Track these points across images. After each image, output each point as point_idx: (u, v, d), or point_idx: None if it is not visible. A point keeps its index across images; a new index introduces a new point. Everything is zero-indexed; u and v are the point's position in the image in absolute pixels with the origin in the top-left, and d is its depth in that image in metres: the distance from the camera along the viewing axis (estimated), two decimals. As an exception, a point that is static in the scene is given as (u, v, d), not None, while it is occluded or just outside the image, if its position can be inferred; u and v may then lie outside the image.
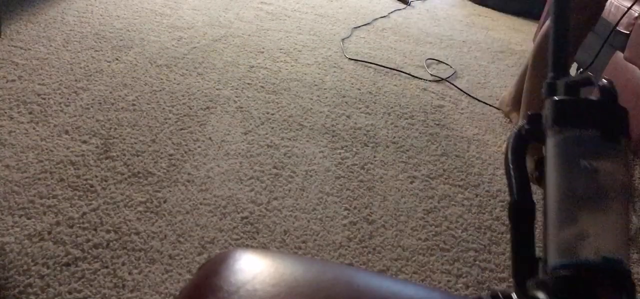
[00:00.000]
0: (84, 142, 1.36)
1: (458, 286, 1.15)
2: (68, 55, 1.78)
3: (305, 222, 1.23)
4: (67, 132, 1.38)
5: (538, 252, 0.32)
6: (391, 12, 3.08)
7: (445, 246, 1.25)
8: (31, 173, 1.21)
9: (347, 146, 1.58)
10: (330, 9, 2.90)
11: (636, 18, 1.85)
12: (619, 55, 1.93)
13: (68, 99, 1.54)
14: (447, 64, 2.41)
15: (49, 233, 1.06)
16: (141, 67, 1.80)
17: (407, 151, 1.62)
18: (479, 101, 2.08)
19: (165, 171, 1.31)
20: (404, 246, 1.22)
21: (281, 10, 2.72)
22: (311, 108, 1.76)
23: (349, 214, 1.29)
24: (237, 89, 1.79)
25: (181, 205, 1.20)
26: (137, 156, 1.34)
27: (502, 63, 2.59)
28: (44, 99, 1.51)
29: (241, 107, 1.67)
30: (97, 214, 1.13)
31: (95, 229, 1.09)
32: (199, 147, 1.43)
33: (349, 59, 2.24)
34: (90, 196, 1.18)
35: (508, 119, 1.97)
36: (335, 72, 2.09)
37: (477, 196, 1.47)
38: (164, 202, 1.20)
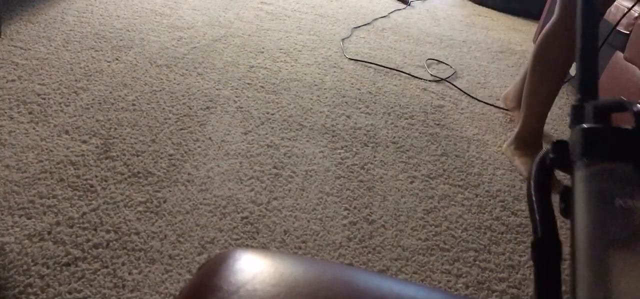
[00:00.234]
0: (84, 142, 1.36)
1: (458, 286, 1.15)
2: (68, 55, 1.78)
3: (305, 222, 1.23)
4: (67, 132, 1.38)
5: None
6: (391, 12, 3.08)
7: (445, 246, 1.25)
8: (31, 173, 1.21)
9: (347, 146, 1.58)
10: (330, 9, 2.90)
11: (636, 18, 1.85)
12: (619, 55, 1.93)
13: (68, 99, 1.54)
14: (447, 64, 2.41)
15: (49, 232, 1.05)
16: (141, 67, 1.80)
17: (407, 151, 1.62)
18: (479, 100, 2.08)
19: (165, 171, 1.31)
20: (404, 246, 1.22)
21: (281, 10, 2.72)
22: (311, 108, 1.76)
23: (349, 214, 1.29)
24: (237, 89, 1.79)
25: (181, 205, 1.20)
26: (137, 156, 1.34)
27: (502, 63, 2.59)
28: (44, 99, 1.51)
29: (241, 107, 1.67)
30: (97, 214, 1.13)
31: (95, 229, 1.09)
32: (199, 147, 1.43)
33: (349, 59, 2.24)
34: (90, 196, 1.18)
35: (510, 117, 1.97)
36: (335, 72, 2.09)
37: (477, 196, 1.47)
38: (164, 202, 1.20)
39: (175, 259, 1.06)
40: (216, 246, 1.11)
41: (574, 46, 1.38)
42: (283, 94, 1.81)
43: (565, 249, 0.30)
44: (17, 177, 1.19)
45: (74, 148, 1.32)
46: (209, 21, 2.34)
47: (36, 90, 1.55)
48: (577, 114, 0.31)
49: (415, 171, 1.53)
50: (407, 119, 1.82)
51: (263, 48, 2.17)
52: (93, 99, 1.56)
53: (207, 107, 1.63)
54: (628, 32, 1.88)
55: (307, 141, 1.56)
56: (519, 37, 3.13)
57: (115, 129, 1.43)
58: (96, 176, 1.24)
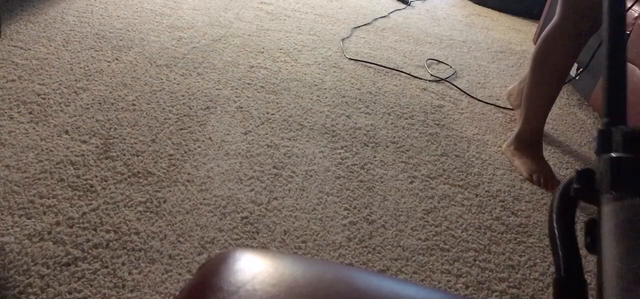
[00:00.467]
0: (84, 142, 1.36)
1: (458, 286, 1.15)
2: (68, 55, 1.78)
3: (305, 222, 1.23)
4: (67, 132, 1.38)
5: None
6: (391, 12, 3.08)
7: (445, 246, 1.25)
8: (31, 173, 1.21)
9: (347, 146, 1.58)
10: (330, 9, 2.90)
11: (636, 18, 1.85)
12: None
13: (68, 99, 1.54)
14: (447, 64, 2.41)
15: (49, 232, 1.05)
16: (141, 67, 1.80)
17: (407, 151, 1.62)
18: (479, 100, 2.08)
19: (165, 171, 1.31)
20: (404, 246, 1.22)
21: (281, 10, 2.72)
22: (311, 108, 1.76)
23: (349, 214, 1.29)
24: (237, 89, 1.79)
25: (181, 205, 1.20)
26: (137, 156, 1.34)
27: (502, 63, 2.59)
28: (44, 99, 1.51)
29: (241, 107, 1.67)
30: (97, 214, 1.13)
31: (95, 229, 1.09)
32: (199, 147, 1.43)
33: (349, 59, 2.24)
34: (90, 196, 1.18)
35: (510, 117, 1.97)
36: (335, 72, 2.09)
37: (477, 196, 1.47)
38: (164, 202, 1.20)
39: (175, 259, 1.06)
40: (216, 246, 1.11)
41: (574, 48, 1.37)
42: (283, 94, 1.81)
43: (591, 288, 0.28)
44: (17, 177, 1.19)
45: (74, 148, 1.32)
46: (209, 21, 2.34)
47: (36, 90, 1.55)
48: (604, 141, 0.28)
49: (415, 171, 1.53)
50: (407, 119, 1.82)
51: (263, 48, 2.17)
52: (93, 99, 1.56)
53: (207, 107, 1.63)
54: (628, 32, 1.88)
55: (307, 141, 1.56)
56: (519, 37, 3.13)
57: (115, 129, 1.43)
58: (96, 176, 1.24)
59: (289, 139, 1.55)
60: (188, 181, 1.28)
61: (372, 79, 2.09)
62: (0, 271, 0.96)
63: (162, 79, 1.75)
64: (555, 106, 2.15)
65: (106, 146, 1.36)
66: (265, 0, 2.80)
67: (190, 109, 1.60)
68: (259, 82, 1.87)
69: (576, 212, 0.30)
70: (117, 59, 1.82)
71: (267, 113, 1.67)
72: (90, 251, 1.03)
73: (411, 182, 1.47)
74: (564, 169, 1.71)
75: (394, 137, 1.69)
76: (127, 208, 1.16)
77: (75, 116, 1.46)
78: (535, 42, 2.69)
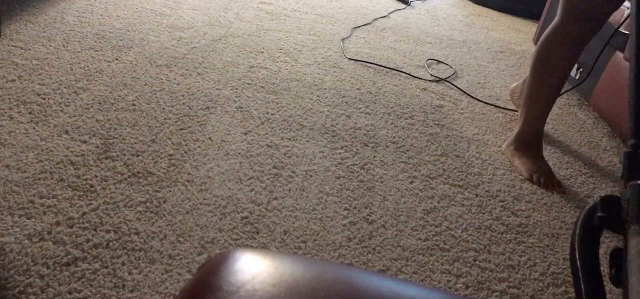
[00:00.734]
0: (84, 142, 1.36)
1: (458, 286, 1.15)
2: (68, 55, 1.78)
3: (305, 222, 1.23)
4: (67, 132, 1.38)
5: None
6: (391, 12, 3.08)
7: (445, 246, 1.25)
8: (31, 173, 1.21)
9: (347, 146, 1.58)
10: (330, 9, 2.90)
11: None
12: (619, 55, 1.93)
13: (68, 99, 1.54)
14: (447, 64, 2.41)
15: (49, 232, 1.06)
16: (141, 67, 1.80)
17: (407, 151, 1.62)
18: (479, 100, 2.08)
19: (165, 171, 1.31)
20: (404, 246, 1.22)
21: (281, 10, 2.72)
22: (311, 108, 1.76)
23: (348, 214, 1.29)
24: (237, 89, 1.79)
25: (181, 205, 1.20)
26: (137, 156, 1.34)
27: (502, 63, 2.59)
28: (44, 99, 1.51)
29: (241, 107, 1.67)
30: (97, 214, 1.13)
31: (95, 229, 1.09)
32: (199, 147, 1.43)
33: (349, 59, 2.24)
34: (90, 196, 1.18)
35: (510, 117, 1.97)
36: (335, 72, 2.09)
37: (477, 196, 1.47)
38: (164, 202, 1.20)
39: (175, 259, 1.06)
40: (216, 246, 1.11)
41: (574, 49, 1.36)
42: (283, 94, 1.81)
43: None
44: (17, 177, 1.19)
45: (74, 148, 1.32)
46: (209, 21, 2.34)
47: (36, 90, 1.55)
48: (632, 165, 0.26)
49: (415, 171, 1.53)
50: (407, 119, 1.82)
51: (263, 48, 2.17)
52: (93, 99, 1.56)
53: (207, 107, 1.63)
54: (628, 33, 1.88)
55: (307, 141, 1.56)
56: (519, 37, 3.13)
57: (115, 129, 1.43)
58: (96, 176, 1.24)
59: (289, 139, 1.55)
60: (188, 181, 1.28)
61: (372, 79, 2.09)
62: (0, 271, 0.96)
63: (162, 79, 1.75)
64: (555, 105, 2.15)
65: (106, 146, 1.36)
66: (265, 0, 2.80)
67: (190, 109, 1.60)
68: (259, 82, 1.87)
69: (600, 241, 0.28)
70: (117, 59, 1.82)
71: (267, 113, 1.67)
72: (90, 251, 1.03)
73: (411, 182, 1.47)
74: (564, 169, 1.71)
75: (394, 137, 1.69)
76: (127, 208, 1.16)
77: (75, 116, 1.46)
78: (535, 43, 2.69)
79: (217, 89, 1.75)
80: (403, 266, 1.17)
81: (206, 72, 1.86)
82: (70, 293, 0.94)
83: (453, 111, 1.95)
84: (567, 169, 1.71)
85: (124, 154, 1.34)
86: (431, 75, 2.24)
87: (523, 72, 2.51)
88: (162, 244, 1.08)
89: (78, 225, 1.09)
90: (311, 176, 1.40)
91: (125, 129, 1.44)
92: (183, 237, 1.11)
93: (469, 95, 2.11)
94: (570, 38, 1.49)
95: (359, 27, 2.69)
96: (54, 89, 1.57)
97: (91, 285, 0.97)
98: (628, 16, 1.78)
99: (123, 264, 1.02)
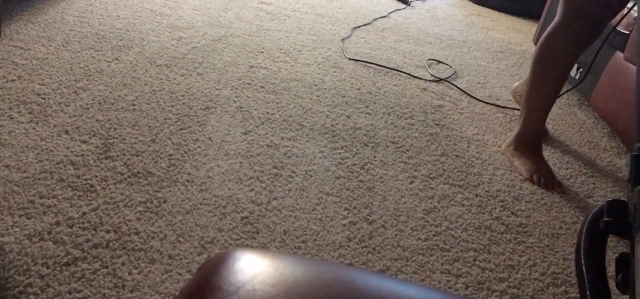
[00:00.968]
0: (84, 142, 1.36)
1: (458, 286, 1.15)
2: (68, 55, 1.78)
3: (305, 222, 1.23)
4: (67, 132, 1.38)
5: None
6: (391, 12, 3.08)
7: (445, 246, 1.25)
8: (31, 173, 1.21)
9: (347, 146, 1.58)
10: (330, 9, 2.90)
11: (636, 18, 1.85)
12: (619, 55, 1.93)
13: (68, 99, 1.54)
14: (447, 64, 2.41)
15: (49, 232, 1.06)
16: (141, 67, 1.80)
17: (407, 151, 1.62)
18: (479, 100, 2.08)
19: (165, 171, 1.31)
20: (404, 246, 1.22)
21: (281, 10, 2.72)
22: (311, 108, 1.76)
23: (348, 214, 1.29)
24: (237, 89, 1.79)
25: (181, 205, 1.20)
26: (137, 156, 1.34)
27: (502, 63, 2.59)
28: (44, 99, 1.51)
29: (241, 107, 1.67)
30: (97, 214, 1.13)
31: (95, 229, 1.09)
32: (199, 147, 1.43)
33: (349, 59, 2.24)
34: (90, 196, 1.18)
35: (512, 115, 1.97)
36: (335, 72, 2.09)
37: (477, 196, 1.47)
38: (164, 202, 1.20)
39: (175, 259, 1.06)
40: (216, 246, 1.11)
41: (575, 49, 1.36)
42: (283, 94, 1.81)
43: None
44: (17, 177, 1.19)
45: (74, 148, 1.33)
46: (209, 21, 2.34)
47: (36, 90, 1.55)
48: (639, 169, 0.25)
49: (415, 171, 1.53)
50: (407, 119, 1.82)
51: (263, 48, 2.17)
52: (93, 99, 1.56)
53: (207, 107, 1.63)
54: (628, 32, 1.88)
55: (307, 141, 1.56)
56: (519, 37, 3.13)
57: (115, 129, 1.43)
58: (96, 176, 1.24)
59: (289, 139, 1.55)
60: (188, 181, 1.28)
61: (372, 79, 2.09)
62: (0, 271, 0.96)
63: (162, 79, 1.75)
64: (555, 105, 2.15)
65: (106, 146, 1.36)
66: (265, 0, 2.80)
67: (190, 109, 1.60)
68: (259, 82, 1.87)
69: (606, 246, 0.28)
70: (117, 59, 1.82)
71: (267, 113, 1.67)
72: (90, 251, 1.04)
73: (411, 182, 1.47)
74: (563, 169, 1.71)
75: (394, 137, 1.69)
76: (127, 208, 1.16)
77: (75, 116, 1.46)
78: (535, 42, 2.69)
79: (217, 89, 1.75)
80: (403, 266, 1.17)
81: (206, 72, 1.86)
82: (70, 293, 0.94)
83: (453, 111, 1.95)
84: (567, 169, 1.71)
85: (124, 154, 1.34)
86: (431, 75, 2.24)
87: (523, 72, 2.51)
88: (162, 244, 1.08)
89: (78, 225, 1.09)
90: (311, 176, 1.40)
91: (125, 129, 1.44)
92: (183, 237, 1.11)
93: (469, 95, 2.11)
94: (571, 38, 1.49)
95: (359, 27, 2.69)
96: (54, 89, 1.57)
97: (91, 285, 0.97)
98: (625, 15, 1.78)
99: (123, 264, 1.02)
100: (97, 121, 1.46)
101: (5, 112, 1.41)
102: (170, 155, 1.37)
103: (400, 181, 1.46)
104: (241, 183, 1.32)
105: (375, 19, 2.88)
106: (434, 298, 0.40)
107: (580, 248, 0.27)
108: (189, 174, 1.31)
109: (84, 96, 1.57)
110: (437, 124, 1.82)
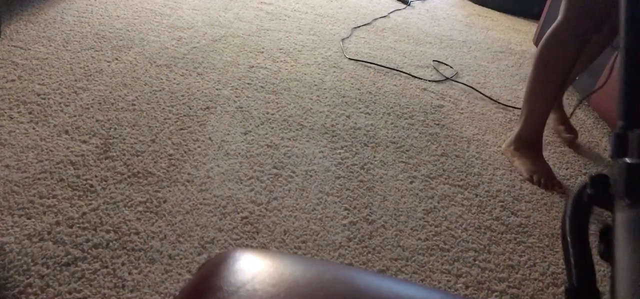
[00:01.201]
0: (84, 142, 1.36)
1: (458, 286, 1.15)
2: (68, 55, 1.78)
3: (305, 222, 1.23)
4: (67, 132, 1.38)
5: None
6: (391, 12, 3.08)
7: (445, 246, 1.25)
8: (31, 173, 1.21)
9: (347, 146, 1.58)
10: (330, 9, 2.90)
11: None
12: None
13: (68, 99, 1.54)
14: (447, 64, 2.41)
15: (49, 233, 1.06)
16: (141, 67, 1.80)
17: (407, 151, 1.62)
18: (487, 97, 2.08)
19: (165, 171, 1.31)
20: (404, 246, 1.22)
21: (281, 10, 2.72)
22: (311, 108, 1.76)
23: (348, 214, 1.29)
24: (237, 89, 1.79)
25: (181, 205, 1.20)
26: (137, 156, 1.34)
27: (502, 63, 2.59)
28: (44, 99, 1.51)
29: (241, 107, 1.67)
30: (97, 214, 1.13)
31: (95, 229, 1.09)
32: (198, 147, 1.43)
33: (349, 59, 2.24)
34: (90, 196, 1.18)
35: (512, 115, 1.97)
36: (335, 72, 2.09)
37: (476, 196, 1.47)
38: (164, 202, 1.20)
39: (175, 259, 1.06)
40: (216, 246, 1.11)
41: (577, 49, 1.36)
42: (283, 94, 1.81)
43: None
44: (17, 177, 1.19)
45: (74, 148, 1.33)
46: (209, 21, 2.34)
47: (36, 90, 1.55)
48: (619, 145, 0.28)
49: (415, 171, 1.53)
50: (407, 119, 1.82)
51: (263, 48, 2.17)
52: (93, 99, 1.56)
53: (207, 107, 1.63)
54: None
55: (307, 141, 1.56)
56: (519, 37, 3.13)
57: (115, 129, 1.43)
58: (96, 176, 1.24)
59: (289, 139, 1.55)
60: (188, 181, 1.28)
61: (372, 79, 2.09)
62: (0, 271, 0.96)
63: (162, 79, 1.75)
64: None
65: (106, 146, 1.36)
66: (265, 0, 2.80)
67: (190, 109, 1.60)
68: (259, 82, 1.87)
69: (590, 219, 0.30)
70: (117, 59, 1.82)
71: (267, 113, 1.67)
72: (90, 251, 1.04)
73: (411, 182, 1.47)
74: (563, 169, 1.71)
75: (394, 137, 1.69)
76: (127, 208, 1.16)
77: (75, 116, 1.46)
78: (535, 43, 2.69)
79: (217, 89, 1.75)
80: (403, 266, 1.17)
81: (206, 72, 1.86)
82: (70, 293, 0.94)
83: (453, 111, 1.95)
84: (567, 169, 1.71)
85: (124, 154, 1.34)
86: (440, 74, 2.24)
87: (523, 72, 2.51)
88: (162, 244, 1.08)
89: (78, 225, 1.09)
90: (311, 176, 1.40)
91: (125, 129, 1.44)
92: (183, 237, 1.11)
93: (478, 91, 2.11)
94: (573, 36, 1.48)
95: (359, 27, 2.69)
96: (54, 89, 1.57)
97: (91, 285, 0.97)
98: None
99: (123, 264, 1.02)
100: (97, 121, 1.46)
101: (5, 112, 1.41)
102: (170, 155, 1.37)
103: (400, 181, 1.46)
104: (241, 183, 1.32)
105: (375, 19, 2.88)
106: (434, 298, 0.40)
107: (566, 219, 0.30)
108: (189, 174, 1.31)
109: (84, 96, 1.57)
110: (437, 124, 1.82)
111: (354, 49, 2.36)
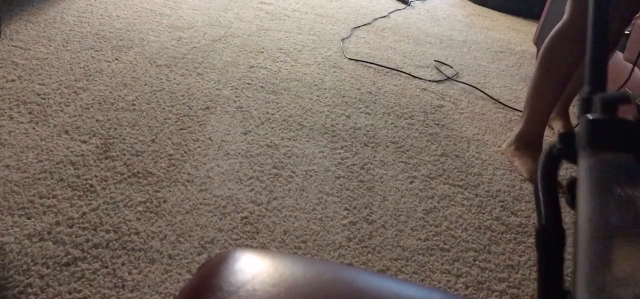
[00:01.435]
0: (84, 142, 1.36)
1: (458, 286, 1.15)
2: (68, 55, 1.78)
3: (305, 222, 1.23)
4: (67, 132, 1.38)
5: (567, 282, 0.29)
6: (391, 12, 3.08)
7: (445, 246, 1.25)
8: (31, 173, 1.21)
9: (347, 146, 1.58)
10: (330, 9, 2.90)
11: (636, 18, 1.85)
12: (619, 55, 1.93)
13: (68, 99, 1.54)
14: (447, 64, 2.41)
15: (49, 233, 1.06)
16: (141, 67, 1.80)
17: (407, 151, 1.62)
18: (492, 98, 2.08)
19: (165, 171, 1.31)
20: (404, 246, 1.22)
21: (281, 10, 2.72)
22: (311, 108, 1.76)
23: (348, 214, 1.29)
24: (237, 89, 1.79)
25: (181, 205, 1.20)
26: (137, 156, 1.34)
27: (502, 63, 2.59)
28: (44, 99, 1.51)
29: (241, 107, 1.67)
30: (97, 214, 1.13)
31: (95, 229, 1.09)
32: (198, 147, 1.43)
33: (349, 59, 2.24)
34: (90, 196, 1.18)
35: (512, 115, 1.97)
36: (335, 72, 2.09)
37: (476, 196, 1.47)
38: (164, 202, 1.20)
39: (175, 259, 1.06)
40: (216, 246, 1.11)
41: (580, 50, 1.36)
42: (283, 94, 1.81)
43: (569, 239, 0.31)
44: (17, 177, 1.19)
45: (74, 148, 1.33)
46: (209, 21, 2.34)
47: (36, 90, 1.55)
48: (584, 106, 0.31)
49: (415, 171, 1.53)
50: (407, 119, 1.82)
51: (263, 48, 2.17)
52: (93, 99, 1.56)
53: (207, 107, 1.63)
54: (628, 33, 1.88)
55: (307, 141, 1.56)
56: (519, 37, 3.13)
57: (115, 129, 1.43)
58: (96, 176, 1.24)
59: (289, 139, 1.55)
60: (188, 181, 1.28)
61: (372, 79, 2.09)
62: (0, 271, 0.96)
63: (162, 79, 1.75)
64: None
65: (106, 146, 1.36)
66: (265, 0, 2.80)
67: (190, 109, 1.60)
68: (259, 82, 1.87)
69: (559, 171, 0.34)
70: (117, 59, 1.82)
71: (267, 113, 1.67)
72: (90, 251, 1.04)
73: (411, 182, 1.47)
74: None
75: (394, 137, 1.69)
76: (127, 208, 1.16)
77: (75, 116, 1.46)
78: (535, 42, 2.69)
79: (217, 89, 1.75)
80: (403, 266, 1.17)
81: (206, 72, 1.86)
82: (70, 293, 0.94)
83: (453, 111, 1.95)
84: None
85: (124, 154, 1.34)
86: (440, 74, 2.24)
87: (523, 72, 2.51)
88: (162, 244, 1.08)
89: (78, 225, 1.09)
90: (311, 176, 1.40)
91: (125, 129, 1.44)
92: (183, 237, 1.11)
93: (479, 90, 2.11)
94: (577, 37, 1.48)
95: (359, 27, 2.69)
96: (54, 89, 1.57)
97: (91, 285, 0.97)
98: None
99: (123, 264, 1.02)
100: (97, 121, 1.46)
101: (5, 112, 1.41)
102: (170, 155, 1.37)
103: (400, 181, 1.46)
104: (241, 183, 1.32)
105: (375, 19, 2.88)
106: (434, 298, 0.40)
107: (538, 171, 0.33)
108: (189, 174, 1.31)
109: (84, 96, 1.57)
110: (437, 124, 1.82)
111: (354, 49, 2.36)
